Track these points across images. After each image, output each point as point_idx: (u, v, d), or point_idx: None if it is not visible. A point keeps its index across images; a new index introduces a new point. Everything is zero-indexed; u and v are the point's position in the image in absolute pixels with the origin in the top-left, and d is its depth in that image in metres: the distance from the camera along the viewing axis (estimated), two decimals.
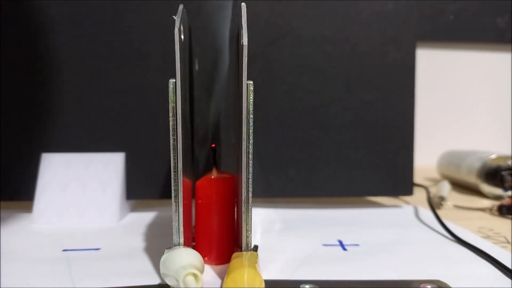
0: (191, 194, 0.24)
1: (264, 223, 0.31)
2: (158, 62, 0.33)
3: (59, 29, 0.32)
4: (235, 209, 0.23)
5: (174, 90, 0.19)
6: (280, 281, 0.20)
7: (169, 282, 0.18)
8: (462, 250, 0.25)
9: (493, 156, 0.44)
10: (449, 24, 0.68)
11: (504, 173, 0.42)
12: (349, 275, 0.21)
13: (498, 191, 0.43)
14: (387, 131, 0.35)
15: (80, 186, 0.31)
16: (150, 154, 0.33)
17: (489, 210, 0.36)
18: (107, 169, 0.32)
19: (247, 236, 0.20)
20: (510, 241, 0.27)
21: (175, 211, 0.20)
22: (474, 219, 0.34)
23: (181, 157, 0.19)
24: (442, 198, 0.38)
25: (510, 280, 0.20)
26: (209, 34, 0.33)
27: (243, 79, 0.19)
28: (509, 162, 0.43)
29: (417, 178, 0.52)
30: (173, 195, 0.20)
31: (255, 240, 0.26)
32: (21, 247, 0.25)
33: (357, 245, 0.26)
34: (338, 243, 0.26)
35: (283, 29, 0.34)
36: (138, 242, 0.26)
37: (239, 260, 0.19)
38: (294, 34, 0.34)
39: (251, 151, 0.20)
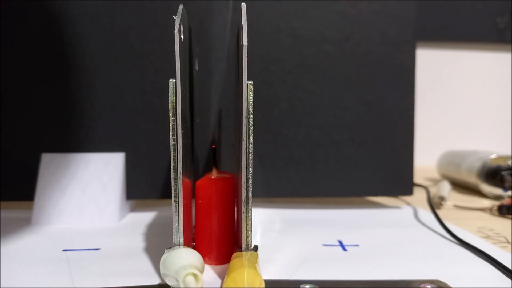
0: (191, 194, 0.24)
1: (264, 223, 0.31)
2: (158, 62, 0.33)
3: (58, 29, 0.32)
4: (235, 209, 0.23)
5: (174, 90, 0.19)
6: (280, 281, 0.20)
7: (169, 282, 0.18)
8: (462, 250, 0.25)
9: (493, 156, 0.44)
10: (449, 24, 0.68)
11: (504, 173, 0.42)
12: (349, 275, 0.21)
13: (498, 191, 0.43)
14: (387, 131, 0.35)
15: (80, 186, 0.31)
16: (150, 154, 0.33)
17: (489, 210, 0.36)
18: (107, 169, 0.32)
19: (247, 236, 0.20)
20: (510, 241, 0.27)
21: (175, 211, 0.20)
22: (474, 219, 0.34)
23: (181, 157, 0.19)
24: (442, 198, 0.38)
25: (510, 280, 0.20)
26: (209, 34, 0.33)
27: (243, 79, 0.19)
28: (509, 162, 0.43)
29: (417, 178, 0.52)
30: (173, 195, 0.20)
31: (255, 240, 0.26)
32: (21, 247, 0.25)
33: (357, 245, 0.26)
34: (338, 243, 0.26)
35: (283, 29, 0.34)
36: (138, 242, 0.26)
37: (239, 260, 0.19)
38: (294, 34, 0.34)
39: (251, 151, 0.20)
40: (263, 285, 0.17)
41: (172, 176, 0.20)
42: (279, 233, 0.28)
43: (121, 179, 0.32)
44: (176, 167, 0.20)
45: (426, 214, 0.34)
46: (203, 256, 0.20)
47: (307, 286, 0.19)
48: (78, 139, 0.33)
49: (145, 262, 0.22)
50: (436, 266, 0.22)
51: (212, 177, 0.23)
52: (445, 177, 0.53)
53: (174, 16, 0.20)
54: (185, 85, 0.21)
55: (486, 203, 0.40)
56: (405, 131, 0.35)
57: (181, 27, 0.20)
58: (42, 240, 0.26)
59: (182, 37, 0.21)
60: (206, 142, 0.33)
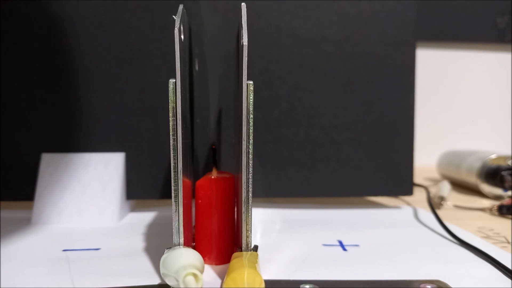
0: (191, 194, 0.24)
1: (264, 223, 0.31)
2: (158, 62, 0.33)
3: (58, 29, 0.32)
4: (235, 209, 0.23)
5: (174, 90, 0.19)
6: (280, 281, 0.20)
7: (169, 282, 0.18)
8: (462, 250, 0.25)
9: (493, 156, 0.44)
10: (449, 24, 0.68)
11: (504, 173, 0.42)
12: (349, 275, 0.21)
13: (498, 191, 0.43)
14: (387, 131, 0.35)
15: (80, 186, 0.31)
16: (150, 154, 0.33)
17: (489, 210, 0.36)
18: (107, 169, 0.32)
19: (247, 236, 0.20)
20: (510, 241, 0.27)
21: (175, 211, 0.20)
22: (474, 219, 0.34)
23: (181, 157, 0.19)
24: (442, 198, 0.38)
25: (510, 280, 0.20)
26: (209, 34, 0.33)
27: (243, 79, 0.19)
28: (509, 162, 0.43)
29: (417, 178, 0.52)
30: (173, 195, 0.20)
31: (255, 240, 0.26)
32: (21, 247, 0.25)
33: (357, 245, 0.26)
34: (338, 243, 0.26)
35: (283, 29, 0.34)
36: (138, 242, 0.26)
37: (239, 260, 0.19)
38: (294, 34, 0.34)
39: (251, 151, 0.20)
40: (263, 285, 0.17)
41: (172, 176, 0.20)
42: (279, 233, 0.28)
43: (121, 179, 0.32)
44: (176, 167, 0.20)
45: (426, 214, 0.34)
46: (203, 256, 0.20)
47: (307, 286, 0.19)
48: (78, 139, 0.33)
49: (145, 262, 0.22)
50: (436, 266, 0.22)
51: (212, 177, 0.23)
52: (445, 177, 0.53)
53: (174, 16, 0.20)
54: (185, 85, 0.21)
55: (486, 203, 0.40)
56: (405, 131, 0.35)
57: (181, 27, 0.20)
58: (42, 240, 0.26)
59: (182, 37, 0.21)
60: (206, 142, 0.33)
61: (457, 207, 0.39)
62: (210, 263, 0.22)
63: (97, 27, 0.32)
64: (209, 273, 0.21)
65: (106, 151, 0.33)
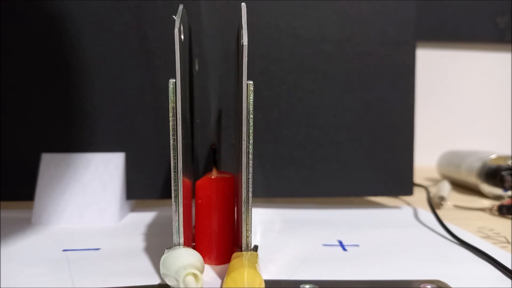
0: (191, 194, 0.24)
1: (264, 223, 0.31)
2: (158, 62, 0.33)
3: (59, 29, 0.32)
4: (235, 209, 0.23)
5: (174, 90, 0.19)
6: (280, 281, 0.20)
7: (169, 282, 0.18)
8: (462, 250, 0.25)
9: (493, 156, 0.44)
10: (449, 24, 0.68)
11: (504, 173, 0.42)
12: (349, 275, 0.21)
13: (498, 191, 0.43)
14: (387, 131, 0.35)
15: (80, 186, 0.31)
16: (150, 154, 0.33)
17: (489, 210, 0.36)
18: (107, 169, 0.32)
19: (247, 236, 0.20)
20: (510, 241, 0.27)
21: (175, 211, 0.20)
22: (474, 219, 0.34)
23: (181, 157, 0.19)
24: (442, 198, 0.38)
25: (510, 280, 0.20)
26: (209, 34, 0.33)
27: (243, 79, 0.19)
28: (509, 162, 0.43)
29: (417, 178, 0.52)
30: (173, 195, 0.20)
31: (255, 240, 0.26)
32: (21, 247, 0.25)
33: (357, 245, 0.26)
34: (338, 243, 0.26)
35: (283, 29, 0.34)
36: (138, 242, 0.26)
37: (239, 260, 0.19)
38: (294, 34, 0.34)
39: (251, 151, 0.20)
40: (263, 285, 0.17)
41: (172, 176, 0.20)
42: (279, 233, 0.28)
43: (121, 179, 0.32)
44: (176, 167, 0.20)
45: (426, 214, 0.34)
46: (203, 256, 0.20)
47: (307, 286, 0.19)
48: (78, 139, 0.33)
49: (145, 262, 0.22)
50: (436, 266, 0.22)
51: (212, 177, 0.23)
52: (445, 177, 0.53)
53: (174, 16, 0.20)
54: (185, 85, 0.21)
55: (486, 203, 0.40)
56: (405, 131, 0.35)
57: (181, 27, 0.20)
58: (42, 240, 0.26)
59: (182, 37, 0.21)
60: (206, 142, 0.33)
61: (457, 207, 0.39)
62: (210, 263, 0.22)
63: (97, 27, 0.32)
64: (209, 273, 0.21)
65: (106, 151, 0.33)
